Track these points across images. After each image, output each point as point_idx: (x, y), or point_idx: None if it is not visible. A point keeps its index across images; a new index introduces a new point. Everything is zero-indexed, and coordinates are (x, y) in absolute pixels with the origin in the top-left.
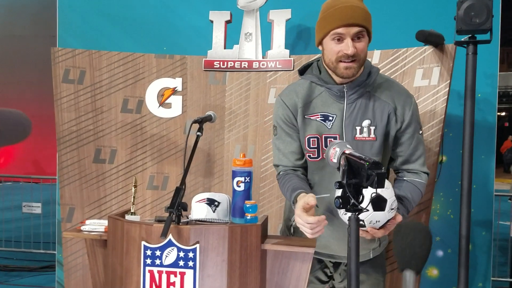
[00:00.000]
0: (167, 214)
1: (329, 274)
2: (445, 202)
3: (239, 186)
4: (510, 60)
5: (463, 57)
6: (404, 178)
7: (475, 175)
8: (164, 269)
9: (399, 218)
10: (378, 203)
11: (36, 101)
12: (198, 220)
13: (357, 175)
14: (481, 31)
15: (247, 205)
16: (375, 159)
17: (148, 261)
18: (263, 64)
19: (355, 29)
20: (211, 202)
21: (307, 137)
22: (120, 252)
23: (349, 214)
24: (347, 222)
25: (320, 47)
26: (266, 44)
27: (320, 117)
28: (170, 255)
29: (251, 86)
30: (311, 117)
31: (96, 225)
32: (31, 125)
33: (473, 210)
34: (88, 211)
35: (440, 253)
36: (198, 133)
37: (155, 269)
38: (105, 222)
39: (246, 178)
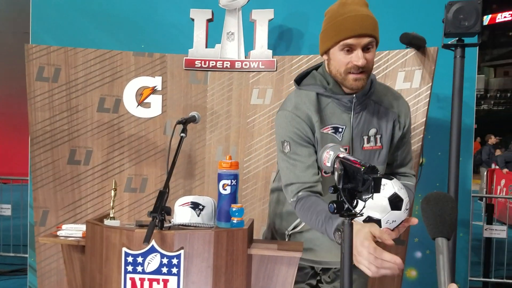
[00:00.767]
0: (147, 218)
1: (318, 278)
2: None
3: (225, 189)
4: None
5: (443, 60)
6: (400, 182)
7: None
8: (147, 276)
9: (414, 220)
10: (396, 202)
11: (7, 99)
12: (182, 225)
13: (352, 179)
14: (470, 34)
15: (234, 209)
16: (379, 167)
17: (129, 268)
18: (245, 64)
19: (366, 40)
20: (195, 206)
21: None
22: (99, 259)
23: (362, 218)
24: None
25: (324, 56)
26: (249, 44)
27: (331, 129)
28: (153, 262)
29: (234, 86)
30: (324, 131)
31: (73, 230)
32: None
33: None
34: (63, 214)
35: (418, 254)
36: (182, 134)
37: (136, 276)
38: (82, 227)
39: (233, 181)
